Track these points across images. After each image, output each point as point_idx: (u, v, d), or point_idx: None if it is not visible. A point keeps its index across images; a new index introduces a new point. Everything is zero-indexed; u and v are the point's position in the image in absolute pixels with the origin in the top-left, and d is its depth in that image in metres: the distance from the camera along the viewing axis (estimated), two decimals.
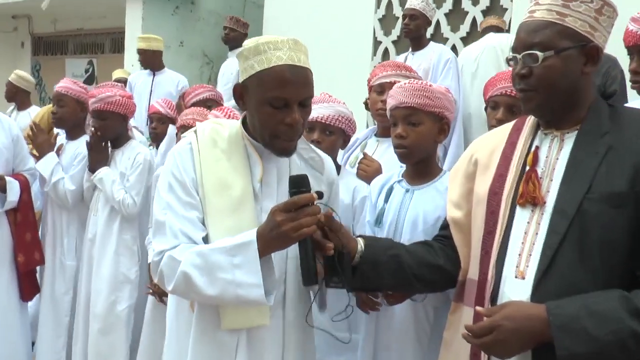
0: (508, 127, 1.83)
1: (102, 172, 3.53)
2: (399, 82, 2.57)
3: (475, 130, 4.02)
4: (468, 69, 4.25)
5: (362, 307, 2.19)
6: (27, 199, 3.59)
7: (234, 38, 6.39)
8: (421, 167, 2.26)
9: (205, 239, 1.73)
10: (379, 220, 2.27)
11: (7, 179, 3.48)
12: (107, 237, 3.53)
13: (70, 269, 3.75)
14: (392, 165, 2.60)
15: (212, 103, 3.85)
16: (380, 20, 6.11)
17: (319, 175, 1.92)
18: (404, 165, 2.33)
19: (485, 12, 5.30)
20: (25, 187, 3.57)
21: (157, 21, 7.53)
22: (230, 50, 6.43)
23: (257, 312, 1.75)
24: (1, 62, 10.17)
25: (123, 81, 6.53)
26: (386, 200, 2.28)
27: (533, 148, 1.69)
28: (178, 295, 1.81)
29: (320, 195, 1.66)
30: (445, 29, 5.47)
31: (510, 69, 1.71)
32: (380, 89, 2.91)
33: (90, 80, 9.62)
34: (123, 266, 3.52)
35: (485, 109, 2.81)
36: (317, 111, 2.55)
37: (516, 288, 1.59)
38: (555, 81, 1.61)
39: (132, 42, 7.66)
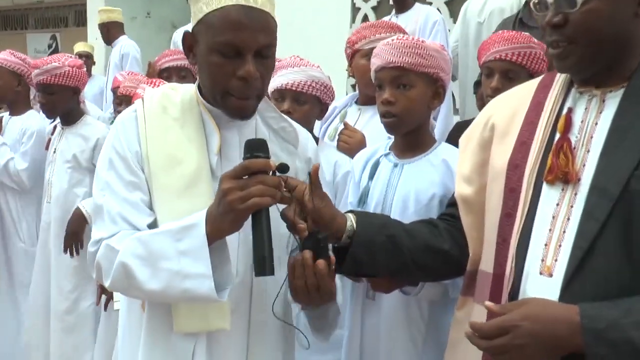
0: (533, 84, 1.48)
1: None
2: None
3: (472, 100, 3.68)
4: (473, 23, 3.80)
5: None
6: None
7: None
8: (412, 137, 1.93)
9: (153, 226, 1.45)
10: (362, 200, 1.95)
11: None
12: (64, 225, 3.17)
13: (34, 256, 3.42)
14: (377, 137, 2.29)
15: (186, 73, 3.43)
16: None
17: (292, 149, 1.60)
18: (392, 137, 2.01)
19: None
20: None
21: None
22: None
23: (216, 312, 1.45)
24: None
25: (85, 55, 6.18)
26: (371, 176, 1.96)
27: (565, 111, 1.36)
28: (118, 291, 1.57)
29: (283, 167, 1.37)
30: None
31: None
32: (371, 54, 2.53)
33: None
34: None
35: (480, 76, 2.48)
36: (287, 77, 2.23)
37: (541, 287, 1.28)
38: (600, 29, 1.28)
39: (94, 15, 7.23)
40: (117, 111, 3.04)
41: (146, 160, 1.48)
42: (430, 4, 4.87)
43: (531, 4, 1.35)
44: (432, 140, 1.95)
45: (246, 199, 1.31)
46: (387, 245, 1.54)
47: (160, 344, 1.50)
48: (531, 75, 2.31)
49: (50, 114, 3.23)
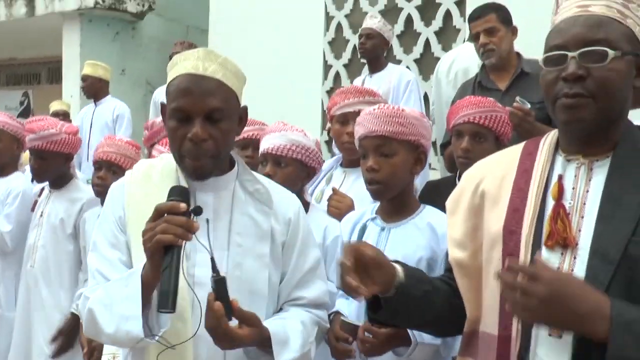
0: (516, 151, 1.55)
1: None
2: (363, 110, 2.36)
3: None
4: (443, 83, 3.89)
5: (335, 355, 1.95)
6: None
7: None
8: (397, 202, 2.04)
9: None
10: None
11: None
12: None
13: (10, 321, 3.34)
14: (362, 199, 2.38)
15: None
16: (330, 43, 5.93)
17: (267, 210, 1.70)
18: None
19: (438, 33, 5.17)
20: None
21: (97, 47, 7.16)
22: None
23: None
24: None
25: (62, 113, 6.17)
26: (359, 240, 2.03)
27: (555, 178, 1.43)
28: (90, 336, 1.76)
29: (197, 210, 1.47)
30: (397, 50, 5.32)
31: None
32: (343, 119, 2.64)
33: (25, 113, 9.09)
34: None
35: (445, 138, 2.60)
36: (269, 141, 2.32)
37: (551, 348, 1.33)
38: (616, 88, 1.35)
39: (70, 71, 7.32)
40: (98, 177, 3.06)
41: (128, 224, 1.63)
42: (400, 62, 5.03)
43: (543, 58, 1.40)
44: (416, 204, 2.05)
45: (152, 237, 1.41)
46: (423, 300, 1.54)
47: None
48: (497, 138, 2.46)
49: (40, 178, 3.25)
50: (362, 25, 4.18)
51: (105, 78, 6.07)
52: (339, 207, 2.39)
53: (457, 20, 5.07)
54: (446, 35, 5.10)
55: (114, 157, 2.97)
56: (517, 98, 2.70)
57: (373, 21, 4.13)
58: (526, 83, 3.12)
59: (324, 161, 2.39)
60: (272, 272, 1.67)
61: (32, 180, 3.67)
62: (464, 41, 4.77)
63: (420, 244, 1.94)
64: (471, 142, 2.43)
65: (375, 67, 4.16)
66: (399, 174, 1.98)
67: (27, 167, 3.88)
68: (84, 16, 7.22)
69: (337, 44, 5.86)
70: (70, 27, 7.31)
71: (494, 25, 3.19)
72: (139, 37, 7.70)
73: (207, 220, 1.50)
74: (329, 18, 5.87)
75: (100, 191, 2.96)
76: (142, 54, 7.66)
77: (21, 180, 3.50)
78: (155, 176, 1.69)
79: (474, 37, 3.28)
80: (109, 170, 2.97)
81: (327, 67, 5.91)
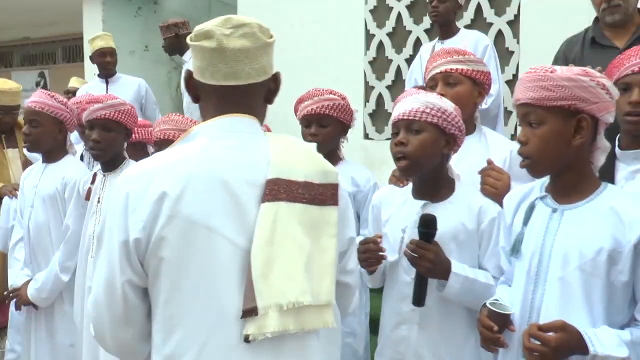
0: None
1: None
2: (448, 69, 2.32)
3: None
4: None
5: (482, 343, 1.77)
6: None
7: (173, 45, 5.51)
8: (571, 178, 1.72)
9: None
10: (515, 248, 1.77)
11: None
12: None
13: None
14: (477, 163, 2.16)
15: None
16: (371, 11, 5.57)
17: None
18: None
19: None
20: None
21: (119, 23, 6.80)
22: (181, 54, 5.53)
23: None
24: None
25: (72, 91, 5.63)
26: (525, 222, 1.76)
27: None
28: None
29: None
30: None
31: None
32: (432, 83, 2.39)
33: None
34: None
35: None
36: (400, 107, 2.04)
37: None
38: None
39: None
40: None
41: None
42: (491, 25, 4.66)
43: None
44: (595, 183, 1.72)
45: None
46: None
47: None
48: None
49: (102, 157, 2.90)
50: None
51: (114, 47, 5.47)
52: (497, 185, 2.07)
53: None
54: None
55: (172, 135, 2.67)
56: None
57: None
58: None
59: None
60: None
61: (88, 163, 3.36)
62: (519, 5, 4.52)
63: (600, 232, 1.62)
64: None
65: (448, 32, 3.79)
66: (553, 146, 1.67)
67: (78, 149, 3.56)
68: None
69: (379, 13, 5.48)
70: (91, 3, 6.92)
71: None
72: (161, 11, 7.31)
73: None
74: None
75: None
76: None
77: (74, 167, 3.15)
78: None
79: None
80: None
81: (369, 37, 5.56)
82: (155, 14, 7.28)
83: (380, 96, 5.42)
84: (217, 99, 1.45)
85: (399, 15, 5.28)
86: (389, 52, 5.36)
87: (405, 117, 1.97)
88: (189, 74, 1.47)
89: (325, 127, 2.70)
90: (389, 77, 5.35)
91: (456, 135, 2.01)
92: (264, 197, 1.36)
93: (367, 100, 5.47)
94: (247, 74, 1.42)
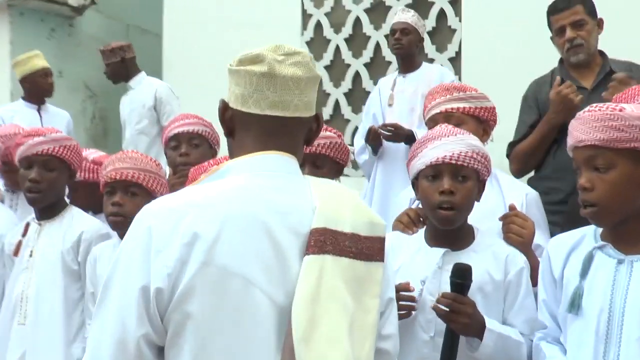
0: None
1: None
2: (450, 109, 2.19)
3: None
4: None
5: None
6: None
7: (117, 71, 5.10)
8: (636, 225, 1.59)
9: None
10: (575, 304, 1.60)
11: None
12: None
13: None
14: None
15: (200, 141, 2.76)
16: (308, 43, 5.40)
17: None
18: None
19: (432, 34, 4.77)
20: None
21: (29, 46, 6.13)
22: (126, 81, 5.11)
23: None
24: None
25: None
26: (583, 274, 1.59)
27: None
28: None
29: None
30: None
31: None
32: (433, 124, 2.23)
33: None
34: None
35: None
36: (441, 149, 1.89)
37: None
38: None
39: None
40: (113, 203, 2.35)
41: None
42: (432, 60, 4.60)
43: None
44: None
45: None
46: None
47: None
48: None
49: (40, 202, 2.51)
50: (394, 20, 3.66)
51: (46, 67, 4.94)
52: (522, 234, 1.93)
53: (452, 20, 4.70)
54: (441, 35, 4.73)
55: (131, 175, 2.28)
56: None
57: (407, 15, 3.63)
58: None
59: None
60: None
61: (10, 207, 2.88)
62: (460, 42, 4.57)
63: None
64: None
65: (410, 65, 3.66)
66: (620, 192, 1.53)
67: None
68: (14, 8, 6.23)
69: (316, 44, 5.34)
70: None
71: (582, 18, 2.85)
72: (77, 35, 6.79)
73: None
74: (306, 16, 5.34)
75: (118, 222, 2.26)
76: (80, 54, 6.74)
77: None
78: None
79: (556, 32, 2.93)
80: (125, 193, 2.28)
81: (306, 16, 5.33)
82: (70, 37, 6.74)
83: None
84: (258, 132, 1.29)
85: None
86: (328, 32, 5.22)
87: (453, 162, 1.79)
88: (225, 105, 1.33)
89: (321, 169, 2.38)
90: (328, 57, 5.21)
91: (485, 182, 1.89)
92: (308, 248, 1.20)
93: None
94: (295, 105, 1.28)
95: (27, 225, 2.54)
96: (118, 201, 2.27)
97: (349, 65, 5.09)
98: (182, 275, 1.14)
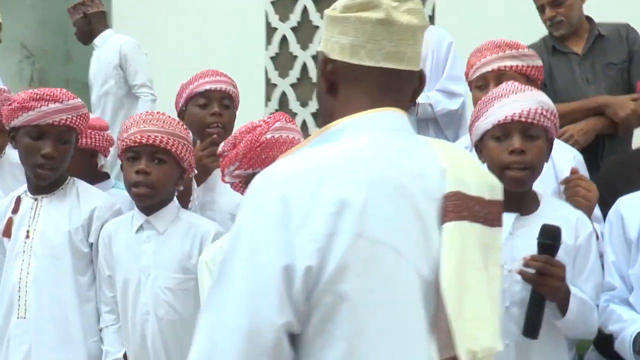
0: None
1: None
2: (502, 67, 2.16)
3: None
4: None
5: None
6: None
7: (80, 28, 4.65)
8: None
9: None
10: None
11: None
12: None
13: None
14: None
15: (230, 103, 2.46)
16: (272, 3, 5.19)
17: None
18: None
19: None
20: None
21: None
22: (92, 39, 4.65)
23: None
24: None
25: None
26: None
27: None
28: None
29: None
30: None
31: None
32: (482, 82, 2.24)
33: None
34: None
35: None
36: (510, 106, 1.84)
37: None
38: None
39: None
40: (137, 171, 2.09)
41: None
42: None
43: None
44: None
45: None
46: None
47: None
48: None
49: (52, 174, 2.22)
50: None
51: None
52: (589, 197, 1.93)
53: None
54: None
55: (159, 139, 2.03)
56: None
57: None
58: (604, 46, 2.99)
59: None
60: None
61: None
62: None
63: None
64: None
65: None
66: None
67: None
68: None
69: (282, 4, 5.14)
70: None
71: None
72: None
73: None
74: None
75: (143, 194, 2.02)
76: (14, 10, 6.20)
77: None
78: None
79: (539, 9, 3.02)
80: (151, 160, 2.04)
81: (270, 30, 5.18)
82: None
83: (284, 94, 5.14)
84: (370, 86, 1.15)
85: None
86: (294, 47, 5.12)
87: (523, 120, 1.73)
88: (325, 57, 1.17)
89: None
90: (295, 18, 5.12)
91: (553, 141, 1.86)
92: (446, 214, 1.09)
93: (268, 99, 5.16)
94: (409, 58, 1.15)
95: (19, 199, 2.24)
96: (144, 168, 1.99)
97: None
98: (332, 249, 0.99)
